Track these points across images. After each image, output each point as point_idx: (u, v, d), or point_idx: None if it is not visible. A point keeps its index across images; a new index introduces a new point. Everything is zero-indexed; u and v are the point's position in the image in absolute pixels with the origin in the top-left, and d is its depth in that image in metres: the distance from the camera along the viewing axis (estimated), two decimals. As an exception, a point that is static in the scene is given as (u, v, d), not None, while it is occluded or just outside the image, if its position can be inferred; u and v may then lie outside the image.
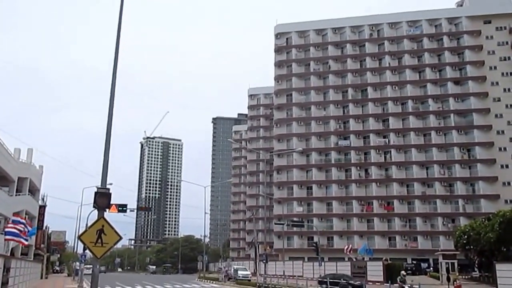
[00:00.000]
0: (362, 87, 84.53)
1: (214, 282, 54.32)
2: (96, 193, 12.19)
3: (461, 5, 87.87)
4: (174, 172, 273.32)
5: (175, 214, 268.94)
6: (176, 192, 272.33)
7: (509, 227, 42.44)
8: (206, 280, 57.75)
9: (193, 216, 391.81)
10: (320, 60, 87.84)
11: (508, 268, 33.94)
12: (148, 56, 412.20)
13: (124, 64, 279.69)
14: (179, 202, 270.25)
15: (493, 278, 35.69)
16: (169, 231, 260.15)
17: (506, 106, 77.47)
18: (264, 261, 47.52)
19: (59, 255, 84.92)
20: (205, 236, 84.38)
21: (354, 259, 57.18)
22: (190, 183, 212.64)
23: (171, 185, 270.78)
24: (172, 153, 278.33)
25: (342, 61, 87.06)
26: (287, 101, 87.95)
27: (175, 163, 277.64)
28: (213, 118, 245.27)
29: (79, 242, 15.27)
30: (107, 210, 12.76)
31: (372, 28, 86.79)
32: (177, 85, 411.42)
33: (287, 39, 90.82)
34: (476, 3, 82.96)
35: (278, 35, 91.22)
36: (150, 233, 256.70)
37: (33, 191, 53.95)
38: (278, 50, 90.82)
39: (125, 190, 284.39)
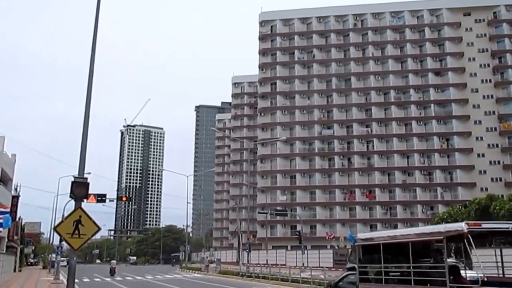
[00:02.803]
0: (345, 77, 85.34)
1: (196, 272, 54.21)
2: (73, 183, 11.74)
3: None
4: (156, 161, 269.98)
5: (157, 204, 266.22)
6: (158, 182, 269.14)
7: (484, 214, 43.67)
8: (188, 270, 57.79)
9: (175, 206, 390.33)
10: (305, 49, 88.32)
11: (481, 253, 34.90)
12: (129, 42, 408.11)
13: (104, 50, 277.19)
14: (160, 192, 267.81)
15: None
16: (150, 221, 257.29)
17: (484, 96, 79.27)
18: (247, 250, 47.84)
19: (33, 247, 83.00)
20: (187, 226, 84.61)
21: (336, 247, 58.10)
22: (172, 172, 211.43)
23: (152, 174, 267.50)
24: (154, 142, 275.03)
25: (326, 50, 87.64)
26: (271, 90, 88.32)
27: (156, 151, 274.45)
28: (196, 106, 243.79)
29: (55, 233, 14.94)
30: (85, 200, 12.45)
31: (356, 18, 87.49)
32: (159, 72, 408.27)
33: (271, 27, 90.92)
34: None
35: (262, 23, 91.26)
36: (130, 223, 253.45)
37: (5, 181, 50.99)
38: (262, 38, 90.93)
39: (104, 180, 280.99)
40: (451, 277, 10.17)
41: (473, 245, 9.85)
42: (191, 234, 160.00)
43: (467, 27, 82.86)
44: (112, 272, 48.82)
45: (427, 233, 10.62)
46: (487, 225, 10.99)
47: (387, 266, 11.18)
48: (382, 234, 12.94)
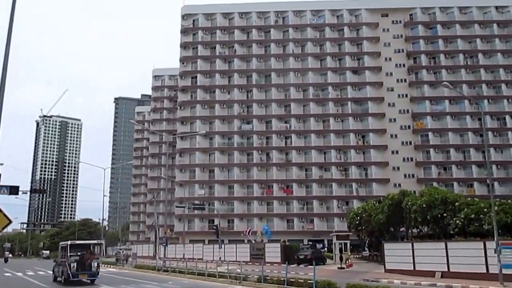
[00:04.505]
0: (266, 73, 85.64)
1: (111, 266, 52.86)
2: (-17, 174, 11.08)
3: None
4: (72, 153, 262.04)
5: (72, 197, 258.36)
6: (74, 174, 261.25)
7: (397, 209, 45.22)
8: (103, 265, 56.10)
9: (92, 199, 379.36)
10: (226, 43, 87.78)
11: (394, 247, 36.20)
12: (46, 31, 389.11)
13: (18, 38, 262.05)
14: (76, 184, 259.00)
15: (381, 256, 37.87)
16: (65, 214, 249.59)
17: (399, 95, 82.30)
18: (164, 244, 46.97)
19: None
20: (103, 219, 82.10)
21: (253, 241, 58.18)
22: (89, 165, 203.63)
23: (68, 166, 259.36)
24: (71, 133, 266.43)
25: (247, 46, 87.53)
26: (192, 84, 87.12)
27: (73, 143, 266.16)
28: (115, 98, 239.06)
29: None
30: (-4, 192, 12.02)
31: (278, 15, 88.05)
32: (78, 62, 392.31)
33: (193, 20, 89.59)
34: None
35: (184, 16, 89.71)
36: (44, 217, 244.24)
37: None
38: (184, 31, 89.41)
39: (18, 171, 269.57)
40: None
41: (68, 251, 28.01)
42: (107, 228, 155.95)
43: (385, 28, 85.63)
44: (6, 260, 70.43)
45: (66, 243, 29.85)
46: (76, 242, 32.92)
47: (63, 254, 28.82)
48: (64, 242, 30.71)
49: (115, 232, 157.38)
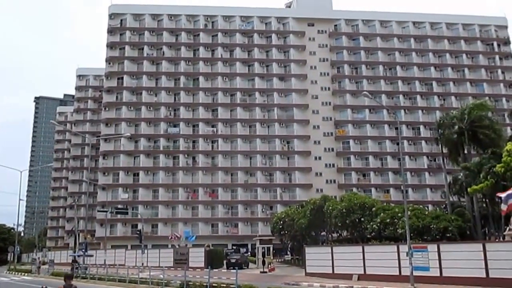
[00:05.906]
0: (194, 76, 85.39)
1: (26, 274, 50.21)
2: None
3: (289, 7, 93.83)
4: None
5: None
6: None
7: (318, 213, 46.66)
8: (17, 273, 53.46)
9: (6, 203, 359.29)
10: (154, 45, 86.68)
11: (314, 251, 37.37)
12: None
13: None
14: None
15: (303, 260, 38.83)
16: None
17: (322, 103, 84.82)
18: (83, 250, 45.61)
19: None
20: (18, 225, 78.13)
21: (177, 246, 57.79)
22: (3, 167, 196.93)
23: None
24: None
25: (176, 48, 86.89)
26: (118, 85, 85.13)
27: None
28: (36, 97, 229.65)
29: None
30: None
31: (207, 19, 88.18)
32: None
33: (121, 20, 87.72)
34: (302, 6, 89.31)
35: (112, 16, 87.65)
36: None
37: None
38: (111, 31, 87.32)
39: None
40: None
41: None
42: (22, 234, 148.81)
43: (311, 37, 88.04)
44: None
45: None
46: None
47: None
48: None
49: (32, 238, 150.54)
